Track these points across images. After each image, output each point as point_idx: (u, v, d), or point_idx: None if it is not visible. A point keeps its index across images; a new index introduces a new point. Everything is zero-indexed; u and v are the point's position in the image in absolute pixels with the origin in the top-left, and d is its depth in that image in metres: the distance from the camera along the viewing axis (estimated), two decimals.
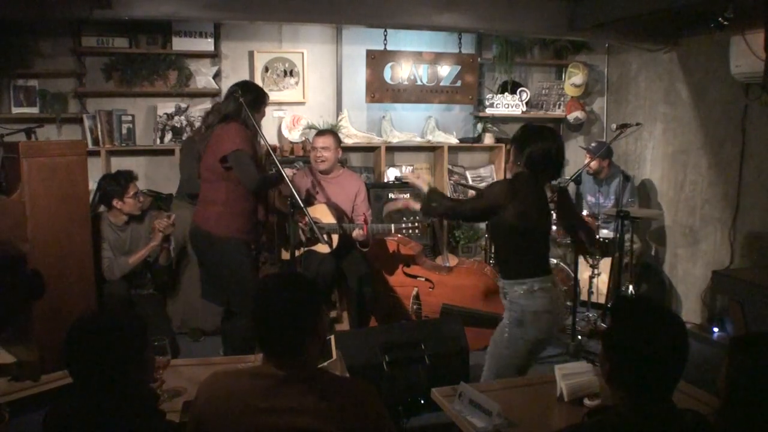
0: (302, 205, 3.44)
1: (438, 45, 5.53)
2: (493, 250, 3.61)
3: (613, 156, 5.11)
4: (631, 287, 4.61)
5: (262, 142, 3.52)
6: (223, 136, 3.32)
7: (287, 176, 3.38)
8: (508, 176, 2.85)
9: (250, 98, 3.41)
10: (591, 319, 4.66)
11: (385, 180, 5.37)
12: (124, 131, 4.91)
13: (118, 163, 4.89)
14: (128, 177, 3.89)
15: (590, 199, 5.15)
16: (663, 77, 5.21)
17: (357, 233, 4.08)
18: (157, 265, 4.05)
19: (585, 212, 4.94)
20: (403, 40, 5.43)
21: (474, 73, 5.48)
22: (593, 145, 5.13)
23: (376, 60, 5.27)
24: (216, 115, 3.50)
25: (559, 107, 5.83)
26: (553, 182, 2.88)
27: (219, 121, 3.43)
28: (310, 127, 5.14)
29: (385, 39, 5.30)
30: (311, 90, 5.34)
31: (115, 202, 3.84)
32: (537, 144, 2.64)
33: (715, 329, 4.65)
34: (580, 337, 4.33)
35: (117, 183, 3.84)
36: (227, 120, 3.39)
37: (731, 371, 1.47)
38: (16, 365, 3.00)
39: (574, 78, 5.71)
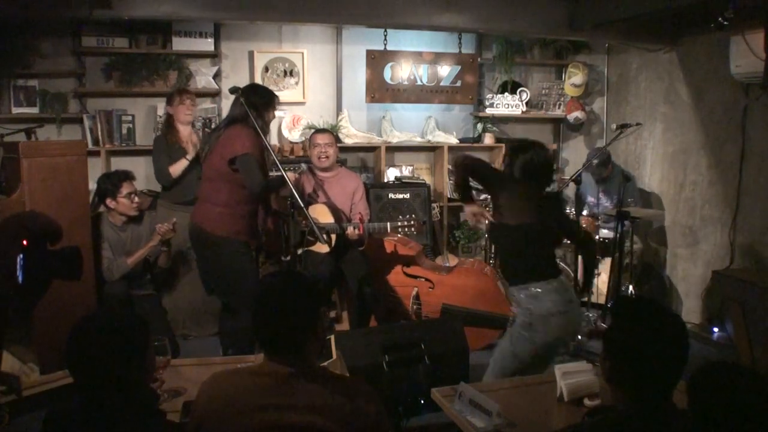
0: (302, 205, 3.45)
1: (438, 45, 5.53)
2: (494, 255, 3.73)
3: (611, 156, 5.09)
4: (631, 287, 4.61)
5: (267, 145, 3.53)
6: (234, 139, 3.34)
7: (289, 179, 3.39)
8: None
9: (256, 102, 3.43)
10: (591, 319, 4.66)
11: (385, 180, 5.36)
12: (124, 131, 4.90)
13: (118, 163, 4.88)
14: (122, 176, 3.85)
15: (590, 199, 5.14)
16: (663, 77, 5.21)
17: (351, 231, 4.08)
18: (156, 267, 4.04)
19: (585, 212, 4.93)
20: (403, 40, 5.43)
21: (474, 73, 5.48)
22: (594, 160, 4.87)
23: (376, 60, 5.27)
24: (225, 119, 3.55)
25: (559, 107, 5.83)
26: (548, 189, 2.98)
27: (227, 124, 3.47)
28: (310, 127, 5.13)
29: (385, 39, 5.29)
30: (311, 90, 5.33)
31: (109, 201, 3.81)
32: (524, 156, 2.81)
33: (715, 329, 4.65)
34: (580, 337, 4.33)
35: (111, 182, 3.81)
36: (234, 123, 3.42)
37: (694, 407, 1.45)
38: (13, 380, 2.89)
39: (574, 78, 5.71)
